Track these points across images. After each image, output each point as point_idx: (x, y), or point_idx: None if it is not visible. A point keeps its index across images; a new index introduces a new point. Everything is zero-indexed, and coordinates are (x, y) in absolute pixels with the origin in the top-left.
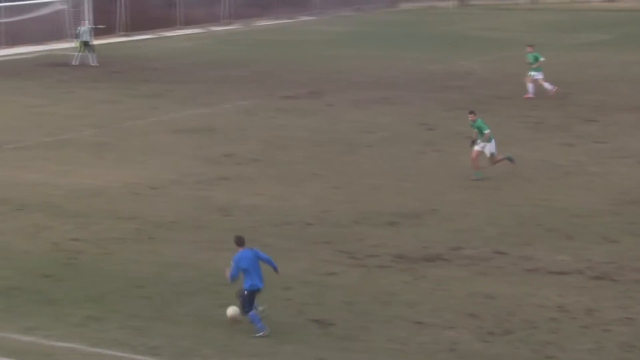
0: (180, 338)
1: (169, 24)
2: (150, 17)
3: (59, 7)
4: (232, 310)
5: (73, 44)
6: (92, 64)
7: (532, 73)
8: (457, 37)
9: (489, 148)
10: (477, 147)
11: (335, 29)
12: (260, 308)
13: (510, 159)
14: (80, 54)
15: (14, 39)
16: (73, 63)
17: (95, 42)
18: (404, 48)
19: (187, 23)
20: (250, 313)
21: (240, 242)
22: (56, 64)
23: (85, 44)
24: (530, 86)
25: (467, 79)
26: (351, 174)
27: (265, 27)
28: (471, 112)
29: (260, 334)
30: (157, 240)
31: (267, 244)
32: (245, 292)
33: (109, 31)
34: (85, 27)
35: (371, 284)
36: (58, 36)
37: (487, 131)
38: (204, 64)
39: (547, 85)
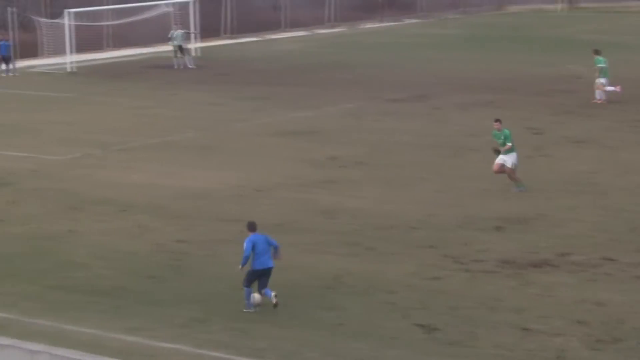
0: (284, 340)
1: (274, 26)
2: (256, 20)
3: (164, 9)
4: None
5: (170, 47)
6: (190, 67)
7: (601, 80)
8: (565, 40)
9: (511, 159)
10: (498, 160)
11: (441, 32)
12: (274, 294)
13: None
14: (177, 58)
15: (120, 42)
16: (175, 67)
17: (201, 44)
18: (511, 51)
19: (292, 26)
20: (247, 288)
21: (252, 227)
22: (161, 66)
23: (180, 48)
24: (597, 93)
25: (575, 83)
26: (457, 177)
27: (371, 30)
28: (497, 120)
29: (248, 309)
30: None
31: (370, 247)
32: (252, 270)
33: (214, 33)
34: (178, 31)
35: (477, 289)
36: (164, 39)
37: (509, 144)
38: (309, 66)
39: (609, 88)
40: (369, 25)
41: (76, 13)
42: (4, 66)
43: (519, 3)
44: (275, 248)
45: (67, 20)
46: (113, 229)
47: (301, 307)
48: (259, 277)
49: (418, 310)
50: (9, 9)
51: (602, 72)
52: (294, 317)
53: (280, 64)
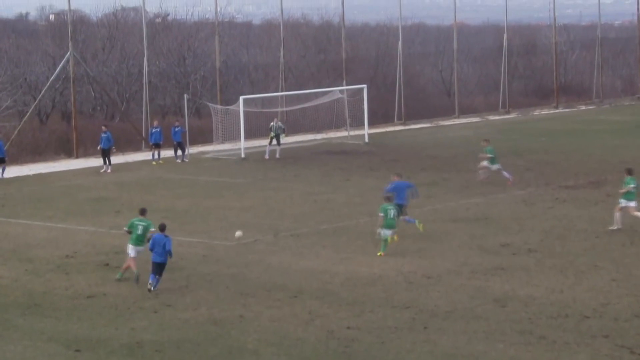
0: None
1: (447, 112)
2: (428, 107)
3: (338, 96)
4: (238, 233)
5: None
6: (277, 157)
7: (486, 163)
8: None
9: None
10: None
11: (617, 118)
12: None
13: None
14: (270, 146)
15: (293, 128)
16: (266, 156)
17: (374, 130)
18: None
19: (464, 112)
20: (152, 275)
21: (161, 228)
22: (334, 152)
23: (276, 139)
24: (481, 173)
25: None
26: (633, 266)
27: (544, 116)
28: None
29: (151, 287)
30: (432, 329)
31: (543, 336)
32: (152, 263)
33: (386, 119)
34: (276, 123)
35: None
36: (336, 125)
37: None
38: (481, 152)
39: (505, 174)
40: (543, 111)
41: (250, 99)
42: (179, 152)
43: None
44: (168, 250)
45: (242, 106)
46: (284, 315)
47: None
48: (155, 267)
49: None
50: (185, 95)
51: (492, 160)
52: None
53: (451, 150)
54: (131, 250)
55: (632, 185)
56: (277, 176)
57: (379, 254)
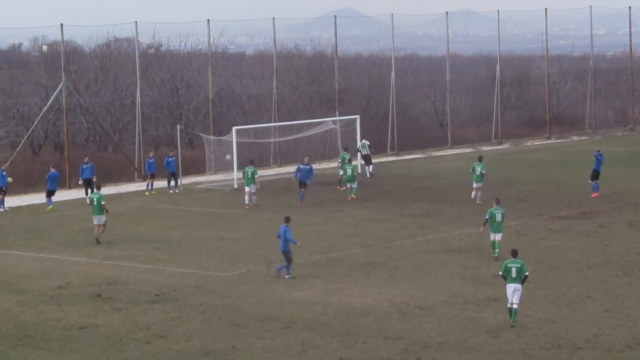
0: None
1: (439, 143)
2: (420, 137)
3: (330, 126)
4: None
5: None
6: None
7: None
8: None
9: None
10: None
11: (609, 149)
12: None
13: None
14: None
15: (286, 158)
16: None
17: (364, 161)
18: None
19: (457, 143)
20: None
21: (286, 220)
22: (326, 182)
23: (366, 158)
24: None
25: None
26: (625, 297)
27: (536, 147)
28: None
29: (277, 273)
30: None
31: None
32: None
33: (379, 150)
34: (364, 141)
35: None
36: (329, 155)
37: None
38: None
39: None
40: (535, 142)
41: (243, 130)
42: (172, 183)
43: None
44: (290, 240)
45: (234, 137)
46: (276, 346)
47: None
48: (283, 255)
49: None
50: (177, 126)
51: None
52: None
53: (444, 181)
54: (95, 219)
55: (478, 169)
56: (270, 207)
57: None
